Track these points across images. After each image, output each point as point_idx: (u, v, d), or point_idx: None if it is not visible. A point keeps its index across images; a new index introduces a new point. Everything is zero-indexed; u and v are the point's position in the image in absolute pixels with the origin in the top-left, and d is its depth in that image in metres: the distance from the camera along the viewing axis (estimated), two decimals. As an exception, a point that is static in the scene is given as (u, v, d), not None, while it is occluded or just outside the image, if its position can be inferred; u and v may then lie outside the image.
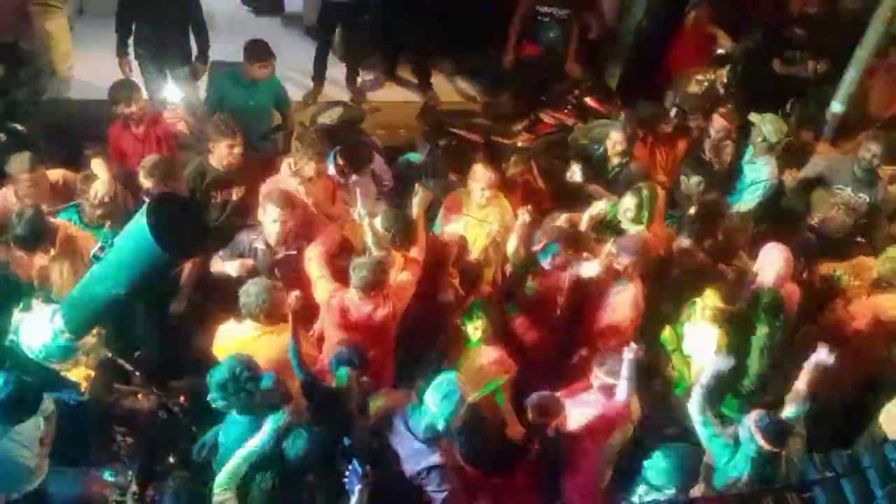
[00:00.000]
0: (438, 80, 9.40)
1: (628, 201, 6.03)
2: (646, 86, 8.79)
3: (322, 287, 5.24)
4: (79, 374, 4.37)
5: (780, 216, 6.84)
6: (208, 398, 4.29)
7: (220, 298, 5.45)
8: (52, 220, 5.23)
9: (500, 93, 8.93)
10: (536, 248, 5.55)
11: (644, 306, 5.64)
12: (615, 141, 6.81)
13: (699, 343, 5.48)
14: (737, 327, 5.52)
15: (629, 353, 4.88)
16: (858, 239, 6.76)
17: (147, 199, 4.63)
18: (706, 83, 8.35)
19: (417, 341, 5.64)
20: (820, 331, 5.93)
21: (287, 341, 4.81)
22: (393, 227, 5.47)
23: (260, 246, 5.55)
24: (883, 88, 8.46)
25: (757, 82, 8.70)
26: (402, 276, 5.31)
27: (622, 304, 5.58)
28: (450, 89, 9.52)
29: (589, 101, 8.43)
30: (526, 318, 5.76)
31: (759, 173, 6.90)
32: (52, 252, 5.19)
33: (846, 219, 6.69)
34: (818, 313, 6.15)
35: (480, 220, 6.10)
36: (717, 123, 7.17)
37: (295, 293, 4.91)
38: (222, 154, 5.96)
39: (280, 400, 4.51)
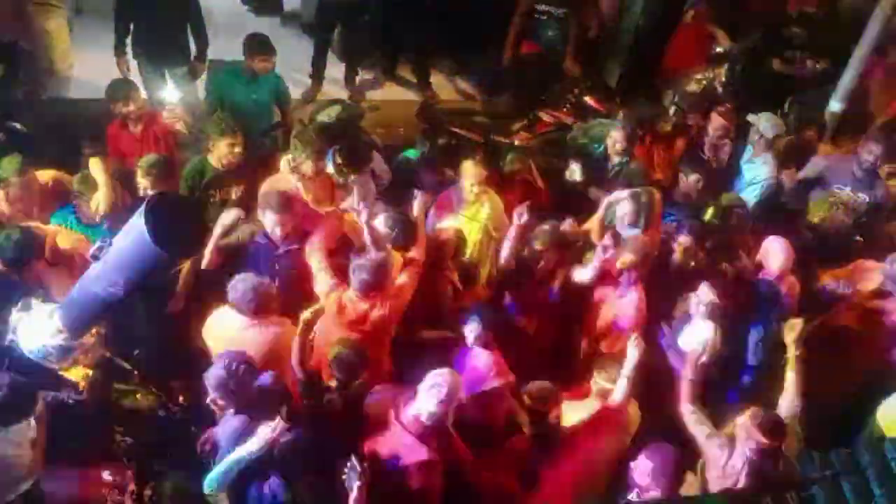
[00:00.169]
0: (437, 79, 9.40)
1: (626, 206, 6.04)
2: (644, 85, 8.81)
3: (322, 280, 5.24)
4: (77, 373, 4.37)
5: (778, 215, 6.82)
6: (208, 398, 4.30)
7: (217, 290, 5.46)
8: (39, 231, 5.13)
9: (499, 92, 8.93)
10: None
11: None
12: (615, 140, 6.81)
13: (693, 339, 5.48)
14: (732, 323, 5.53)
15: (634, 347, 4.89)
16: (857, 238, 6.72)
17: (145, 199, 4.63)
18: (705, 82, 8.36)
19: (415, 340, 5.63)
20: (819, 331, 5.95)
21: (274, 334, 4.88)
22: (395, 227, 5.48)
23: (261, 241, 5.55)
24: (882, 87, 8.47)
25: (755, 81, 8.71)
26: (401, 278, 5.30)
27: (626, 308, 5.58)
28: (449, 88, 9.53)
29: (588, 99, 8.44)
30: (520, 319, 5.75)
31: (757, 172, 6.89)
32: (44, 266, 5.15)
33: (845, 219, 6.67)
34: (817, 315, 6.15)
35: (471, 217, 6.11)
36: (716, 122, 7.17)
37: (314, 308, 4.93)
38: (222, 153, 5.95)
39: (279, 398, 4.52)
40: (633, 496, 4.51)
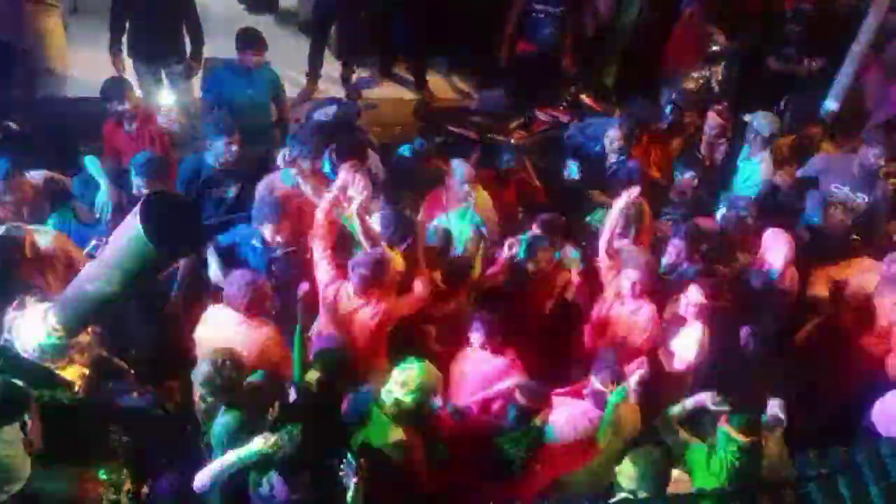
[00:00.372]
0: (434, 78, 9.40)
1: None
2: (641, 83, 8.80)
3: (323, 269, 5.27)
4: (73, 372, 4.35)
5: (775, 214, 6.83)
6: (198, 396, 4.32)
7: (213, 288, 5.49)
8: (20, 235, 5.04)
9: (496, 90, 8.93)
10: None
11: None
12: (612, 139, 6.83)
13: (682, 340, 5.49)
14: (722, 323, 5.55)
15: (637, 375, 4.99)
16: (855, 237, 6.73)
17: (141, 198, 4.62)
18: (701, 80, 8.37)
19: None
20: (818, 331, 5.97)
21: (267, 336, 4.92)
22: (391, 225, 5.49)
23: (257, 244, 5.55)
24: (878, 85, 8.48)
25: (752, 80, 8.72)
26: (417, 289, 5.33)
27: (641, 324, 5.60)
28: (445, 86, 9.53)
29: (584, 98, 8.46)
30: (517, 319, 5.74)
31: (753, 171, 6.90)
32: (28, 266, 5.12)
33: (844, 218, 6.67)
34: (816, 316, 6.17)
35: (461, 216, 6.13)
36: (712, 121, 7.19)
37: (304, 287, 4.96)
38: (219, 152, 5.95)
39: (271, 397, 4.53)
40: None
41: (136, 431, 4.72)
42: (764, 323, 5.70)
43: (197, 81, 7.59)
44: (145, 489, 4.59)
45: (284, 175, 6.00)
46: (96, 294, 3.88)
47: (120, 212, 5.37)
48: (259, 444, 4.15)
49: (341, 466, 3.99)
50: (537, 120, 8.24)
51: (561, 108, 8.34)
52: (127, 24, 7.27)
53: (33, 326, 4.15)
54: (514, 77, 8.82)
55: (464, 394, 5.27)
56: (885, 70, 8.39)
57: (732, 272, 6.01)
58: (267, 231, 5.46)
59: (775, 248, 5.90)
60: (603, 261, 5.70)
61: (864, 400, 5.34)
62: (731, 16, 9.10)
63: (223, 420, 4.39)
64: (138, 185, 5.61)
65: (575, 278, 5.94)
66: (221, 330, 4.99)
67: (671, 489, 4.40)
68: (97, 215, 5.56)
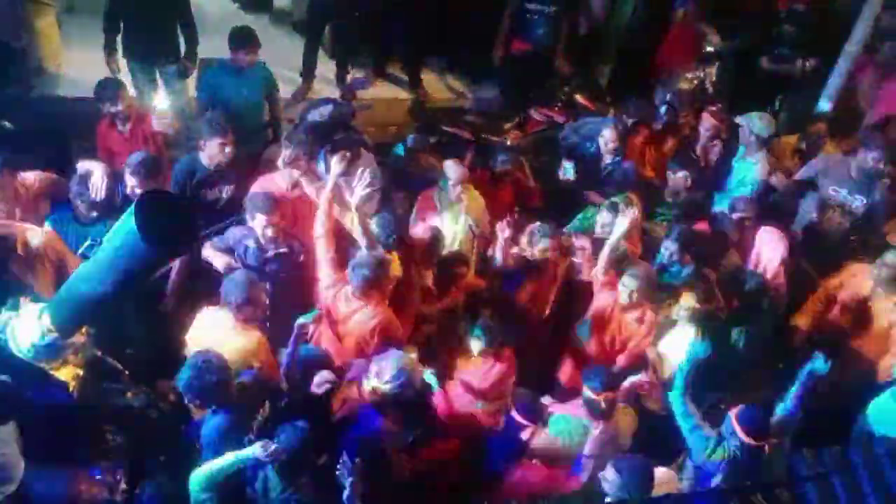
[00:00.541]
0: (428, 78, 9.39)
1: (606, 217, 6.06)
2: (635, 83, 8.80)
3: (325, 272, 5.28)
4: (68, 373, 4.34)
5: (770, 215, 6.84)
6: (185, 401, 4.32)
7: (208, 288, 5.46)
8: (6, 231, 5.08)
9: (490, 90, 8.92)
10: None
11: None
12: (607, 139, 6.83)
13: (676, 342, 5.50)
14: (715, 324, 5.58)
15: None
16: (852, 239, 6.73)
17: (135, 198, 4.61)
18: (696, 80, 8.38)
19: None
20: (816, 331, 5.99)
21: (257, 339, 4.95)
22: (387, 230, 5.51)
23: (250, 244, 5.54)
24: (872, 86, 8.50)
25: (746, 80, 8.73)
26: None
27: (643, 328, 5.65)
28: (440, 86, 9.52)
29: (579, 98, 8.46)
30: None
31: (748, 172, 6.91)
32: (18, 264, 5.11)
33: (842, 220, 6.67)
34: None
35: (453, 216, 6.16)
36: (706, 122, 7.19)
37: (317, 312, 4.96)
38: (213, 153, 5.93)
39: (261, 397, 4.53)
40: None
41: (130, 432, 4.71)
42: (757, 324, 5.73)
43: (191, 81, 7.57)
44: (139, 490, 4.58)
45: (281, 176, 5.99)
46: (91, 294, 3.87)
47: (114, 212, 5.36)
48: (258, 452, 4.14)
49: (338, 465, 3.99)
50: (532, 120, 8.24)
51: (555, 107, 8.34)
52: (121, 24, 7.25)
53: (27, 327, 4.14)
54: (509, 77, 8.82)
55: (461, 403, 5.29)
56: (879, 70, 8.39)
57: (724, 273, 6.02)
58: (258, 223, 5.43)
59: (770, 247, 5.90)
60: (599, 277, 5.70)
61: (859, 401, 5.35)
62: (726, 16, 9.12)
63: (213, 422, 4.39)
64: (132, 184, 5.60)
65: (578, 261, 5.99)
66: (212, 332, 4.99)
67: (657, 492, 4.39)
68: (93, 196, 5.52)
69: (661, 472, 4.60)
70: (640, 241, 6.28)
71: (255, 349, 4.98)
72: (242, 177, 6.12)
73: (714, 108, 7.33)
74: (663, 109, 7.62)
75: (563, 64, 8.84)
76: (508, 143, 7.80)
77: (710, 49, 8.80)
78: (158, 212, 3.50)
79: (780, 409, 4.89)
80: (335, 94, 8.59)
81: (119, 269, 3.66)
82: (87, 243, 5.29)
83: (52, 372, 4.28)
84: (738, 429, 4.52)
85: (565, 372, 5.90)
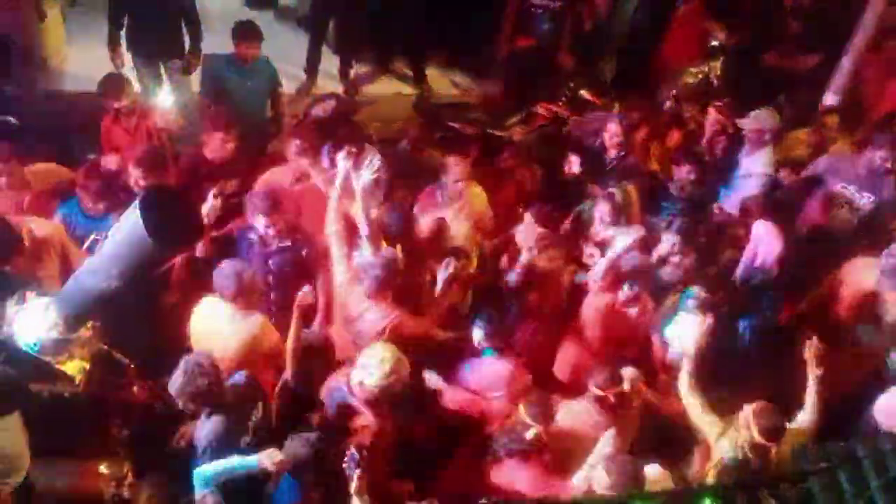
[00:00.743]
0: (432, 73, 9.38)
1: (603, 207, 6.04)
2: (640, 78, 8.79)
3: (341, 270, 5.28)
4: (74, 366, 4.36)
5: (773, 210, 6.82)
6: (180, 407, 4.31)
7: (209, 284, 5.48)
8: (14, 222, 5.07)
9: (495, 85, 8.92)
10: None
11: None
12: (612, 133, 6.83)
13: (684, 332, 5.50)
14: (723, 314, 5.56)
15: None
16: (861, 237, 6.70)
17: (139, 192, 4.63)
18: (700, 75, 8.37)
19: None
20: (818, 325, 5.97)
21: (254, 324, 4.92)
22: (390, 220, 5.50)
23: (254, 238, 5.54)
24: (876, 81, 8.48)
25: (750, 75, 8.71)
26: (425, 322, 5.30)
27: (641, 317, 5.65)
28: (444, 82, 9.51)
29: (583, 93, 8.45)
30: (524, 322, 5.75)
31: (754, 165, 6.90)
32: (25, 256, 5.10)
33: (849, 218, 6.64)
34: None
35: (456, 212, 6.13)
36: (712, 118, 7.18)
37: (305, 289, 4.93)
38: (216, 147, 5.94)
39: (254, 398, 4.53)
40: None
41: (136, 425, 4.73)
42: (761, 317, 5.73)
43: (196, 77, 7.57)
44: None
45: (283, 171, 6.00)
46: (97, 287, 3.89)
47: (120, 206, 5.37)
48: (266, 462, 4.14)
49: (344, 459, 4.00)
50: (536, 115, 8.24)
51: (560, 103, 8.33)
52: (126, 19, 7.26)
53: (34, 321, 4.16)
54: (513, 72, 8.81)
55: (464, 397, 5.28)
56: (884, 66, 8.38)
57: (722, 266, 6.02)
58: (260, 223, 5.43)
59: (768, 242, 5.87)
60: (596, 282, 5.69)
61: (866, 396, 5.34)
62: (730, 11, 9.11)
63: (207, 427, 4.35)
64: (136, 176, 5.61)
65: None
66: (213, 321, 5.01)
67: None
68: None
69: (652, 470, 4.59)
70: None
71: (260, 332, 4.98)
72: (247, 171, 6.12)
73: (720, 104, 7.31)
74: (668, 104, 7.61)
75: (568, 59, 8.83)
76: (514, 139, 7.80)
77: (714, 44, 8.78)
78: (163, 206, 3.51)
79: (800, 416, 4.91)
80: (339, 89, 8.60)
81: (125, 262, 3.68)
82: (92, 237, 5.29)
83: (58, 366, 4.30)
84: (752, 424, 4.52)
85: (566, 370, 5.88)
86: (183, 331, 5.21)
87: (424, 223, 5.97)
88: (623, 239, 5.60)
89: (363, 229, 5.33)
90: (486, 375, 5.22)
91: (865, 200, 6.68)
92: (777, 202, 6.71)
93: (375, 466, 4.28)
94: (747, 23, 9.06)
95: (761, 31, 8.95)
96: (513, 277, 5.66)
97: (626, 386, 4.93)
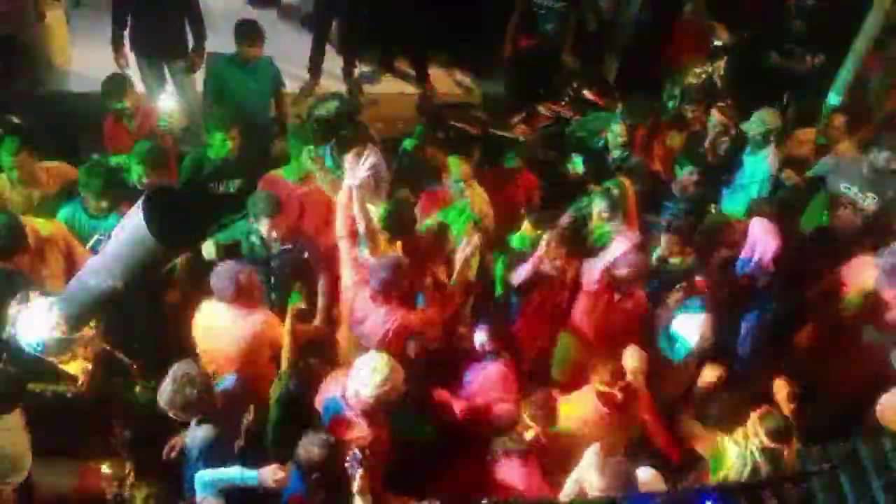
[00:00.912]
0: (435, 73, 9.38)
1: (600, 204, 6.03)
2: (643, 78, 8.78)
3: (346, 274, 5.27)
4: (76, 366, 4.37)
5: (776, 211, 6.82)
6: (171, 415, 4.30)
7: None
8: (23, 223, 5.06)
9: (498, 85, 8.91)
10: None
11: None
12: (616, 133, 6.84)
13: (686, 327, 5.50)
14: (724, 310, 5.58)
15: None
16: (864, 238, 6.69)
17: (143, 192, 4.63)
18: (704, 75, 8.35)
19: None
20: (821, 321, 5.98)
21: (254, 323, 4.93)
22: (391, 221, 5.50)
23: (256, 240, 5.55)
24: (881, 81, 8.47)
25: (754, 75, 8.70)
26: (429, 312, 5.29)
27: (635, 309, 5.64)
28: (447, 81, 9.51)
29: (586, 93, 8.45)
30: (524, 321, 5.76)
31: (758, 166, 6.89)
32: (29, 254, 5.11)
33: (853, 218, 6.63)
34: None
35: (458, 212, 6.11)
36: (715, 118, 7.17)
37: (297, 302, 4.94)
38: (219, 146, 5.95)
39: (245, 404, 4.54)
40: None
41: (138, 425, 4.73)
42: (765, 315, 5.73)
43: (199, 77, 7.58)
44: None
45: (287, 171, 6.00)
46: (99, 288, 3.90)
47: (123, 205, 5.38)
48: (268, 480, 4.12)
49: (347, 459, 4.01)
50: (540, 115, 8.23)
51: (563, 102, 8.33)
52: (129, 19, 7.27)
53: (37, 320, 4.17)
54: (516, 72, 8.81)
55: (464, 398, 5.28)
56: (888, 66, 8.37)
57: (719, 263, 6.02)
58: (263, 226, 5.42)
59: (765, 241, 5.86)
60: (591, 283, 5.67)
61: (868, 395, 5.33)
62: (734, 11, 9.09)
63: (198, 435, 4.32)
64: (139, 173, 5.62)
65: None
66: (215, 321, 5.01)
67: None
68: None
69: (645, 473, 4.58)
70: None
71: (263, 329, 4.99)
72: (250, 171, 6.13)
73: (723, 105, 7.30)
74: (671, 104, 7.60)
75: (571, 59, 8.83)
76: (517, 138, 7.79)
77: (718, 44, 8.77)
78: (166, 206, 3.52)
79: None
80: (342, 89, 8.61)
81: (128, 262, 3.69)
82: (95, 237, 5.30)
83: (60, 365, 4.31)
84: (759, 429, 4.52)
85: (567, 368, 5.88)
86: (185, 331, 5.22)
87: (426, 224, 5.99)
88: (618, 245, 5.61)
89: (360, 227, 5.31)
90: (485, 378, 5.22)
91: (869, 201, 6.67)
92: (779, 203, 6.72)
93: (371, 477, 4.26)
94: (751, 23, 9.05)
95: (764, 31, 8.93)
96: (521, 274, 5.64)
97: (629, 377, 4.94)
